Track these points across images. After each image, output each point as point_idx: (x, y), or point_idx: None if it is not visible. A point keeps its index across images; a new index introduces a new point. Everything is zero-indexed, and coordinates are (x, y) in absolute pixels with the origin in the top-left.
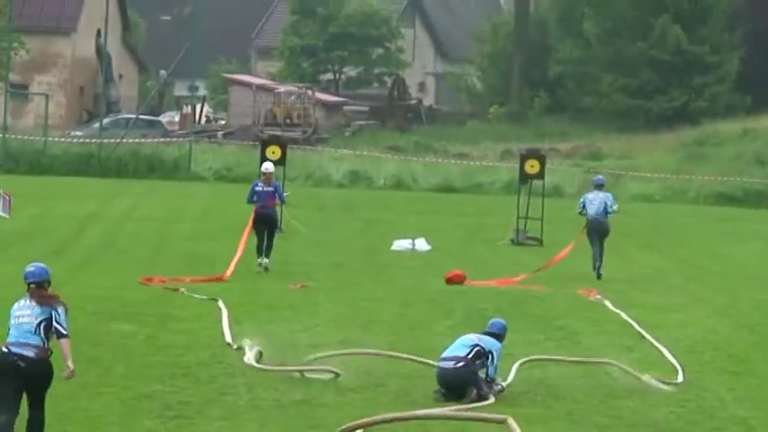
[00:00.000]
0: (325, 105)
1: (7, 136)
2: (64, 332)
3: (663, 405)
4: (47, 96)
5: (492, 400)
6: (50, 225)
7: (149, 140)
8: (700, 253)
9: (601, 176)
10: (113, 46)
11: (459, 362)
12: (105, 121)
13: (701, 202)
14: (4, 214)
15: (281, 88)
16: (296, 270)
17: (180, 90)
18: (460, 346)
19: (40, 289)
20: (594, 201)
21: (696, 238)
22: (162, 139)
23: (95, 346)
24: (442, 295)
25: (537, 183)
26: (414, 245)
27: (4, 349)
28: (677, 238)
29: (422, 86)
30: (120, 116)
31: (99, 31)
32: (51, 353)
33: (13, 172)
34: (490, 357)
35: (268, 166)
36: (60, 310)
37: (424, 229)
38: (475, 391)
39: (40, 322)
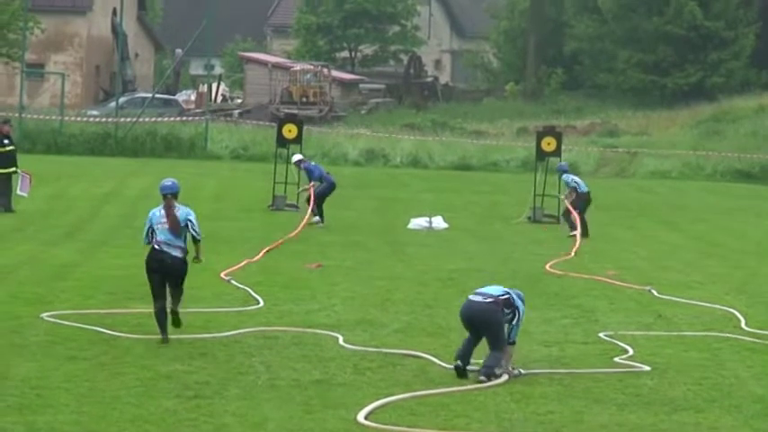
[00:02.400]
0: (341, 83)
1: (24, 116)
2: (198, 238)
3: (681, 383)
4: (63, 76)
5: (505, 378)
6: (67, 205)
7: (166, 119)
8: (717, 229)
9: (564, 162)
10: (129, 25)
11: (488, 298)
12: (121, 100)
13: (718, 178)
14: (22, 193)
15: (297, 66)
16: (312, 249)
17: (196, 69)
18: (493, 288)
19: (174, 199)
20: (579, 179)
21: (713, 215)
22: (178, 118)
23: (112, 327)
24: (459, 274)
25: (553, 160)
26: (431, 223)
27: (156, 246)
28: (694, 215)
29: (438, 64)
30: (136, 95)
31: (114, 10)
32: (187, 253)
33: (29, 152)
34: (516, 315)
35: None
36: (193, 218)
37: (440, 207)
38: (483, 375)
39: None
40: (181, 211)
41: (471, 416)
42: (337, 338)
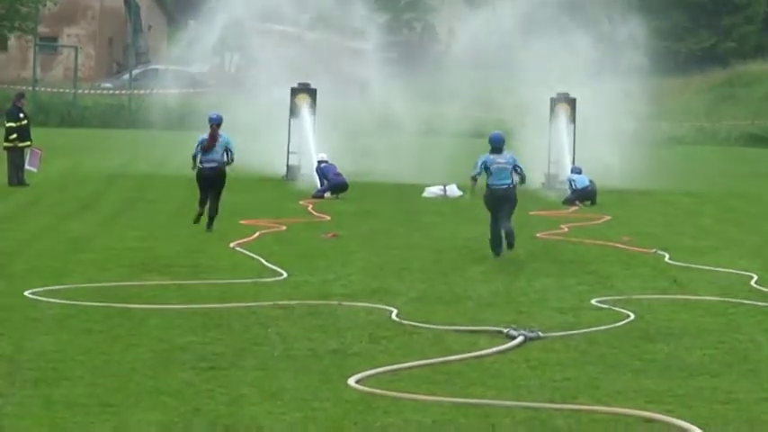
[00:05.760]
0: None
1: (37, 89)
2: (232, 162)
3: (697, 348)
4: (76, 48)
5: (521, 339)
6: (81, 177)
7: (179, 91)
8: (730, 194)
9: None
10: None
11: (511, 185)
12: (135, 72)
13: (732, 143)
14: (32, 168)
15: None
16: (327, 219)
17: None
18: (506, 176)
19: (218, 128)
20: (577, 176)
21: (727, 180)
22: (192, 90)
23: (128, 299)
24: (475, 242)
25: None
26: (446, 191)
27: (200, 165)
28: (708, 180)
29: (451, 32)
30: (149, 67)
31: None
32: (225, 165)
33: (43, 125)
34: (518, 169)
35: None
36: (232, 146)
37: (455, 174)
38: (507, 329)
39: (223, 150)
40: (223, 137)
41: (487, 383)
42: (391, 312)
